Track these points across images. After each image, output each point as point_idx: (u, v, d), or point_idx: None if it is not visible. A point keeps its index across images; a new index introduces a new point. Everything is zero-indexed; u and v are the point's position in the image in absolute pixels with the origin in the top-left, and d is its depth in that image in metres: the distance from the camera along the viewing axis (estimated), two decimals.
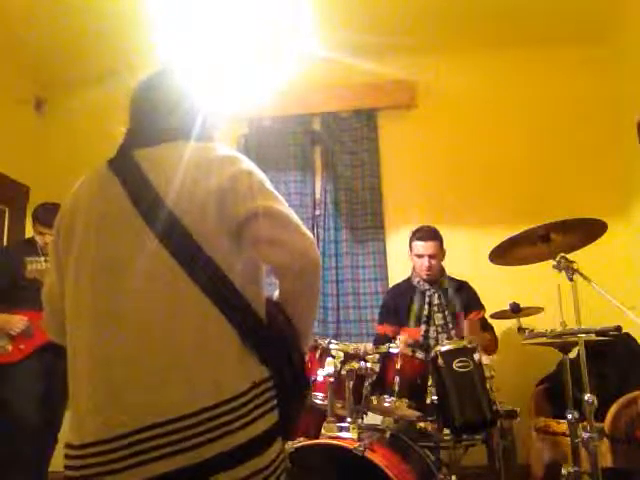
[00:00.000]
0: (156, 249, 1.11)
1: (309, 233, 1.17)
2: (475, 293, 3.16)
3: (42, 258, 3.01)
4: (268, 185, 1.20)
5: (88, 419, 1.08)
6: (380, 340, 3.01)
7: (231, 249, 1.14)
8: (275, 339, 1.16)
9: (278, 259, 1.14)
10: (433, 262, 3.08)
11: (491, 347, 2.99)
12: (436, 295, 3.09)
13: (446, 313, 3.05)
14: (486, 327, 3.05)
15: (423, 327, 3.05)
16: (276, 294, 1.22)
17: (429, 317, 3.06)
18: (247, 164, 1.21)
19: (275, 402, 1.14)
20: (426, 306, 3.08)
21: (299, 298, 1.20)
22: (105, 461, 1.04)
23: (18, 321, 3.03)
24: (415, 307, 3.10)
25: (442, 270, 3.16)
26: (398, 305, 3.19)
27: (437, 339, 3.01)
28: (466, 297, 3.10)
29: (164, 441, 1.02)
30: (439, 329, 3.04)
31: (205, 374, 1.07)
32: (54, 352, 3.11)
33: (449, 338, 2.96)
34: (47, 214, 3.19)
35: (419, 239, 3.13)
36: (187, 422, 1.02)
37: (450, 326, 3.02)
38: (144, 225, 1.13)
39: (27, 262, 3.03)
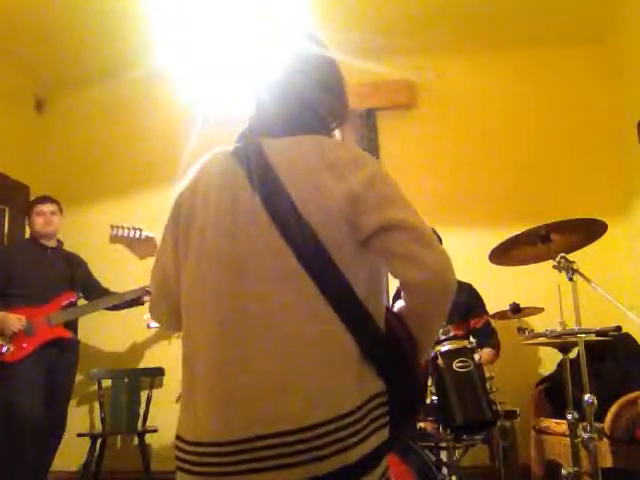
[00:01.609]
0: (283, 251, 1.05)
1: (444, 250, 1.08)
2: (477, 296, 3.13)
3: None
4: (401, 192, 1.11)
5: (204, 417, 1.06)
6: None
7: (357, 258, 1.07)
8: (394, 352, 1.09)
9: (412, 276, 1.06)
10: None
11: (490, 361, 2.97)
12: None
13: None
14: (488, 333, 3.03)
15: None
16: (398, 305, 1.15)
17: None
18: (380, 167, 1.14)
19: (388, 419, 1.07)
20: None
21: (428, 318, 1.13)
22: (221, 462, 1.02)
23: (15, 320, 3.03)
24: None
25: None
26: None
27: None
28: (466, 300, 3.07)
29: (280, 452, 0.99)
30: None
31: (324, 386, 1.02)
32: (58, 347, 3.14)
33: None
34: (44, 197, 3.43)
35: None
36: (302, 435, 0.99)
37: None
38: (271, 224, 1.07)
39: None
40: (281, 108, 1.20)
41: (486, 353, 2.92)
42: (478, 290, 3.17)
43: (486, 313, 3.08)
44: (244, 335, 1.05)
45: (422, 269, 1.04)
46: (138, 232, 2.86)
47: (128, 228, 2.92)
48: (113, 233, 2.91)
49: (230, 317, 1.07)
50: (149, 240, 3.02)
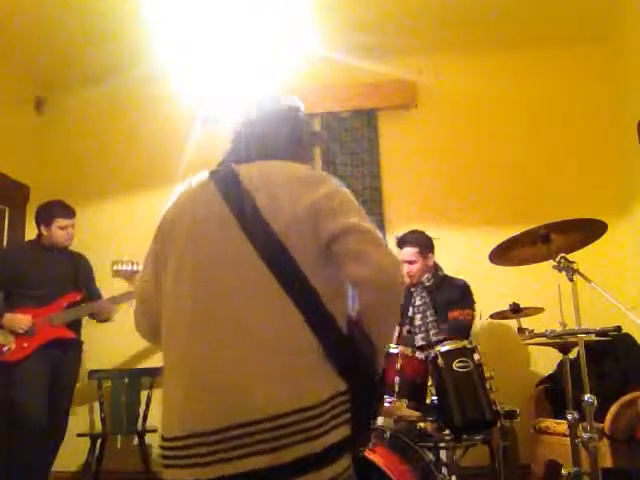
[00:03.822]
0: (253, 258, 1.18)
1: (392, 251, 1.22)
2: (464, 291, 3.05)
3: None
4: (357, 204, 1.27)
5: (178, 413, 1.17)
6: None
7: (319, 264, 1.20)
8: (354, 355, 1.19)
9: (362, 273, 1.17)
10: (411, 268, 3.06)
11: None
12: (418, 297, 3.08)
13: (428, 314, 3.03)
14: (456, 327, 2.93)
15: (406, 328, 3.06)
16: (354, 312, 1.25)
17: (412, 318, 3.06)
18: (338, 184, 1.28)
19: (349, 416, 1.17)
20: (410, 307, 3.08)
21: (379, 314, 1.23)
22: (192, 454, 1.12)
23: (23, 320, 3.04)
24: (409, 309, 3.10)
25: (435, 270, 3.13)
26: None
27: (414, 340, 3.00)
28: (453, 294, 3.01)
29: (247, 441, 1.08)
30: (416, 330, 3.03)
31: (290, 381, 1.12)
32: (61, 347, 3.14)
33: (426, 339, 2.96)
34: (66, 209, 3.28)
35: (396, 245, 3.14)
36: (269, 424, 1.08)
37: (429, 326, 3.00)
38: (242, 234, 1.20)
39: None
40: (255, 140, 1.37)
41: None
42: (477, 289, 3.14)
43: (469, 308, 3.00)
44: (216, 336, 1.17)
45: (370, 265, 1.16)
46: (136, 265, 2.88)
47: (127, 262, 2.94)
48: (114, 268, 2.94)
49: (203, 320, 1.18)
50: None
